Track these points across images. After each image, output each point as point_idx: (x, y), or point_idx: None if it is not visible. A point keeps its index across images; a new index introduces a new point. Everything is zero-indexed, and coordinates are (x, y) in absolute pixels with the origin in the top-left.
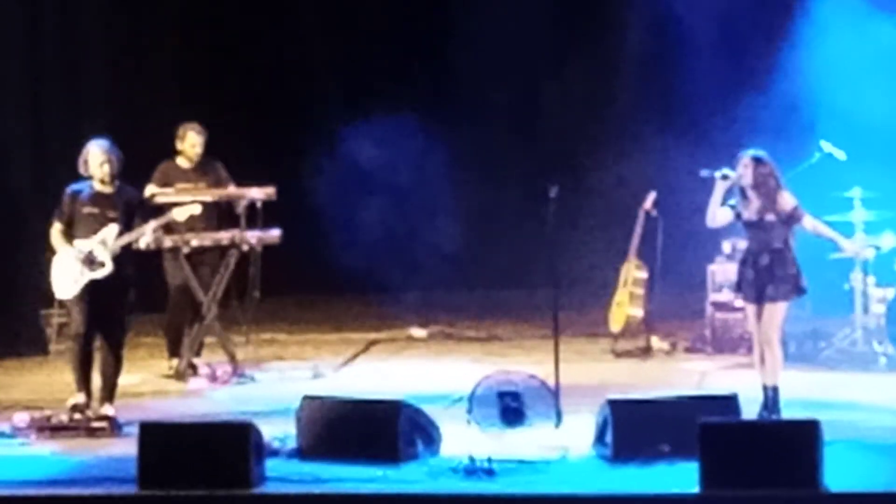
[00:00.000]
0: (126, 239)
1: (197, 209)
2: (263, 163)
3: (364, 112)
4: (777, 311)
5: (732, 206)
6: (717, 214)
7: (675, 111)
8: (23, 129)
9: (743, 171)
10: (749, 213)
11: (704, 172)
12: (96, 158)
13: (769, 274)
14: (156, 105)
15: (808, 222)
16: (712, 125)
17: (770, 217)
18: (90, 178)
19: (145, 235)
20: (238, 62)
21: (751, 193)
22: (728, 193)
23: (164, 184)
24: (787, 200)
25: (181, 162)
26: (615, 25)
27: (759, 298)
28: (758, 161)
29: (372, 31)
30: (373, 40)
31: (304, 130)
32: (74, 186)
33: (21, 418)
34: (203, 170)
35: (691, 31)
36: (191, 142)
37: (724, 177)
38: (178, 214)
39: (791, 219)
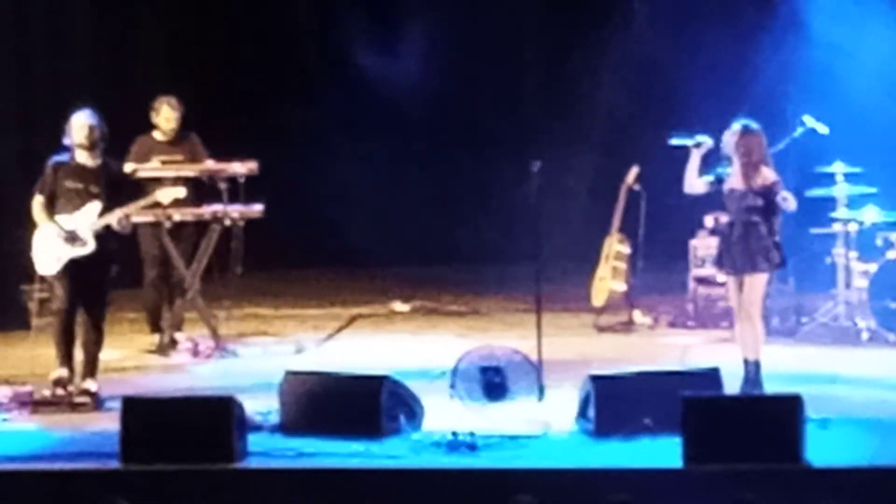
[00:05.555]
0: (108, 218)
1: (182, 193)
2: (246, 137)
3: (348, 87)
4: (755, 284)
5: (719, 175)
6: (695, 182)
7: (659, 85)
8: (7, 100)
9: (728, 139)
10: (730, 183)
11: (675, 140)
12: (78, 122)
13: (744, 245)
14: (142, 78)
15: (783, 200)
16: (696, 99)
17: (747, 189)
18: (73, 148)
19: (114, 218)
20: (223, 35)
21: (735, 162)
22: (716, 161)
23: (142, 159)
24: (766, 175)
25: (157, 135)
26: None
27: (737, 270)
28: (745, 130)
29: (358, 2)
30: (359, 11)
31: (286, 105)
32: (57, 158)
33: (3, 393)
34: (180, 143)
35: (676, 5)
36: (165, 116)
37: (698, 144)
38: (163, 197)
39: (769, 193)
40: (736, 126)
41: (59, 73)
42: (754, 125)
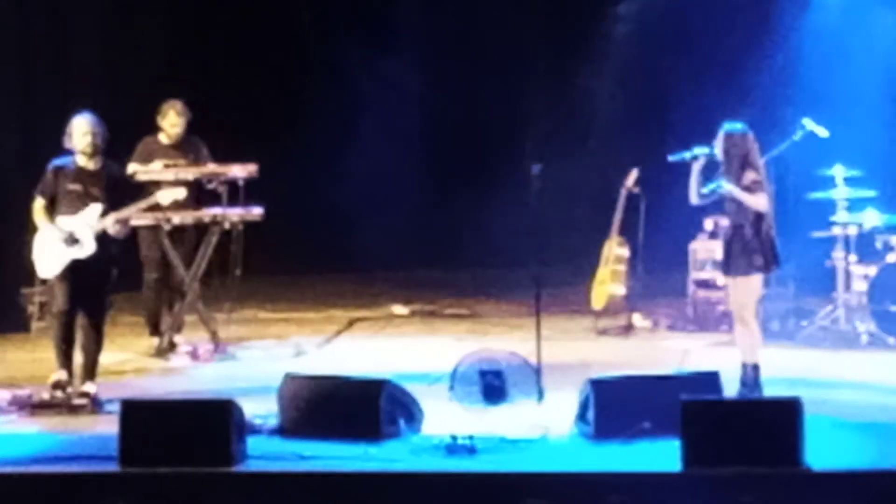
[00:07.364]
0: (108, 220)
1: (181, 194)
2: (246, 140)
3: (348, 91)
4: (741, 287)
5: (720, 184)
6: (697, 194)
7: (659, 89)
8: (9, 103)
9: (716, 143)
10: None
11: (672, 157)
12: (80, 129)
13: (728, 248)
14: (143, 81)
15: (751, 199)
16: (696, 103)
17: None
18: (74, 151)
19: (110, 221)
20: (224, 38)
21: (722, 167)
22: (714, 169)
23: (146, 160)
24: (747, 177)
25: (162, 138)
26: (600, 5)
27: (725, 273)
28: (727, 134)
29: (357, 7)
30: (359, 16)
31: (286, 108)
32: (58, 161)
33: (2, 396)
34: (184, 147)
35: (675, 10)
36: (171, 121)
37: (695, 157)
38: (163, 198)
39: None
40: (721, 130)
41: (60, 77)
42: (736, 127)
